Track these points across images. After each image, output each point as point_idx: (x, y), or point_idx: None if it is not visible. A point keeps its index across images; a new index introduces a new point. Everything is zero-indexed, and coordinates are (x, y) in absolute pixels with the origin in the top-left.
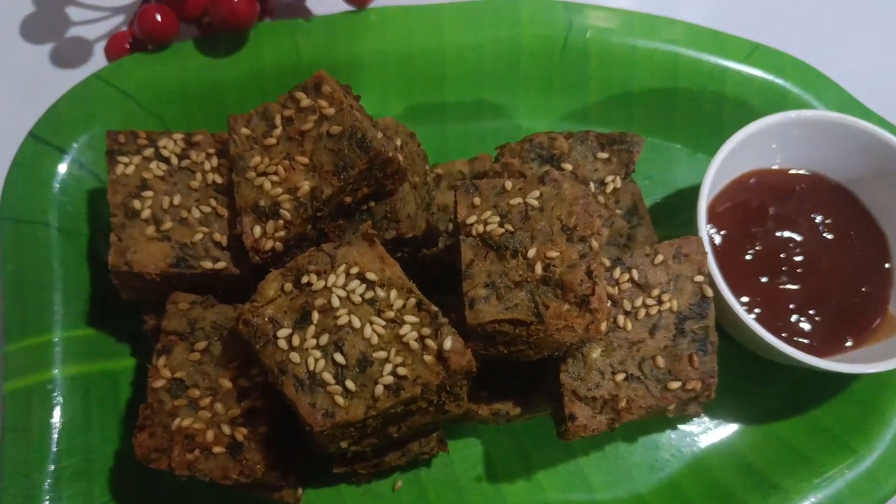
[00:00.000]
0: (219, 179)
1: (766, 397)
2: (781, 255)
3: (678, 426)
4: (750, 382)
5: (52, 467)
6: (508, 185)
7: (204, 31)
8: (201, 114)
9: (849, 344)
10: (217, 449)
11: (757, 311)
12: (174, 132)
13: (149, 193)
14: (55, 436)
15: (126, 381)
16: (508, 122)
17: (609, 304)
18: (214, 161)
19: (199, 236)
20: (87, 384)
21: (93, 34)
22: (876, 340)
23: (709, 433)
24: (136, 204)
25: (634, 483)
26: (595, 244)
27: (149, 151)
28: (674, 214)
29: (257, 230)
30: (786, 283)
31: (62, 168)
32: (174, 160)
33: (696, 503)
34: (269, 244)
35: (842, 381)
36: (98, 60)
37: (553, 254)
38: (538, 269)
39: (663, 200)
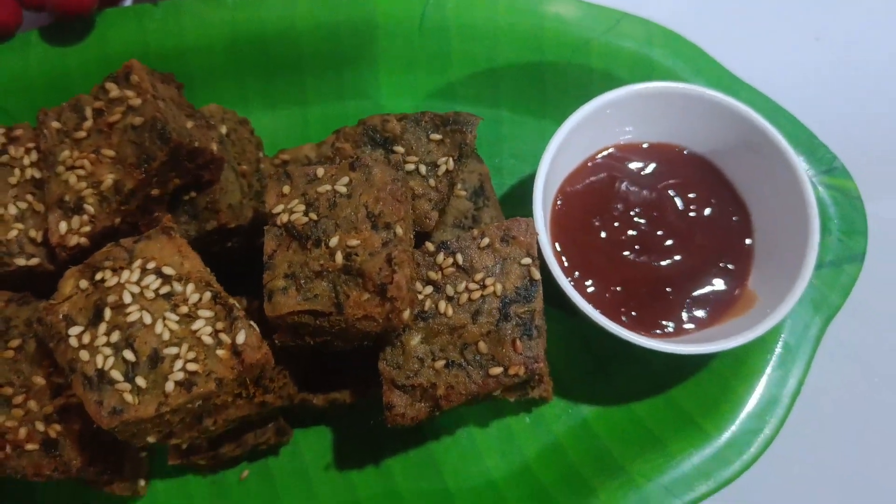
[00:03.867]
0: (38, 174)
1: (629, 377)
2: (638, 233)
3: (533, 409)
4: (612, 363)
5: None
6: (320, 171)
7: (51, 20)
8: (47, 103)
9: (705, 320)
10: (30, 446)
11: (615, 289)
12: None
13: None
14: None
15: None
16: (371, 102)
17: (430, 288)
18: (34, 156)
19: (13, 233)
20: None
21: None
22: (733, 316)
23: (566, 416)
24: None
25: (488, 470)
26: (400, 230)
27: None
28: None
29: (63, 226)
30: (644, 262)
31: None
32: None
33: (548, 489)
34: (74, 240)
35: (702, 359)
36: None
37: (354, 242)
38: (339, 257)
39: (528, 178)
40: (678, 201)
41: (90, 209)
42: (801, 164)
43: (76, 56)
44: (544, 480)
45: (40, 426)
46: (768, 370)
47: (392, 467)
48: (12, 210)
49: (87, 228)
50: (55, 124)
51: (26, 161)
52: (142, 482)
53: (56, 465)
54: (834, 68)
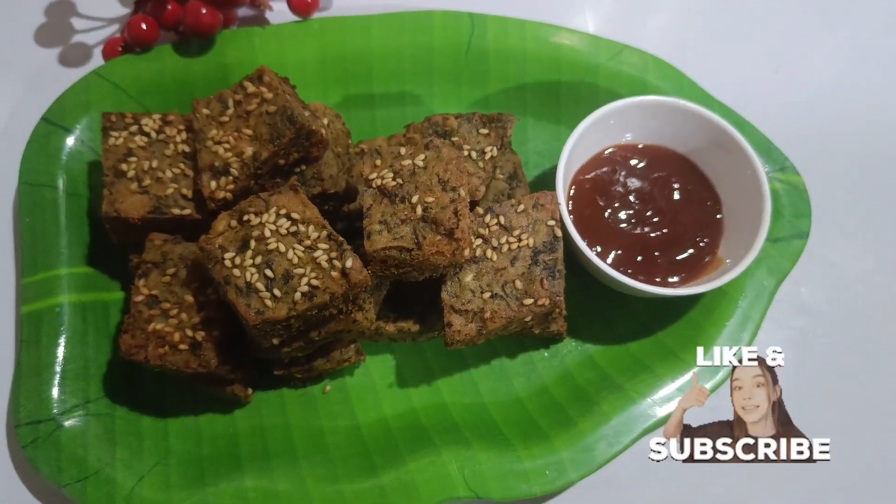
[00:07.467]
0: (187, 149)
1: (625, 323)
2: (634, 211)
3: (550, 346)
4: (612, 312)
5: (58, 369)
6: (403, 150)
7: (180, 37)
8: (176, 102)
9: (685, 277)
10: (182, 346)
11: (616, 252)
12: (153, 113)
13: (133, 159)
14: (60, 346)
15: (115, 309)
16: (425, 109)
17: (480, 240)
18: (184, 135)
19: (170, 190)
20: (85, 309)
21: (92, 40)
22: (706, 274)
23: (576, 352)
24: (124, 167)
25: (514, 389)
26: (462, 192)
27: (134, 128)
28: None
29: (213, 184)
30: (638, 233)
31: (67, 144)
32: (153, 134)
33: (561, 402)
34: (221, 194)
35: (682, 309)
36: (96, 61)
37: (430, 199)
38: (418, 210)
39: (548, 170)
40: (665, 188)
41: (234, 172)
42: (759, 161)
43: (200, 66)
44: (558, 397)
45: (189, 332)
46: (733, 317)
47: (440, 386)
48: (168, 174)
49: (231, 186)
50: (205, 111)
51: (178, 139)
52: (249, 390)
53: (200, 361)
54: (787, 93)
